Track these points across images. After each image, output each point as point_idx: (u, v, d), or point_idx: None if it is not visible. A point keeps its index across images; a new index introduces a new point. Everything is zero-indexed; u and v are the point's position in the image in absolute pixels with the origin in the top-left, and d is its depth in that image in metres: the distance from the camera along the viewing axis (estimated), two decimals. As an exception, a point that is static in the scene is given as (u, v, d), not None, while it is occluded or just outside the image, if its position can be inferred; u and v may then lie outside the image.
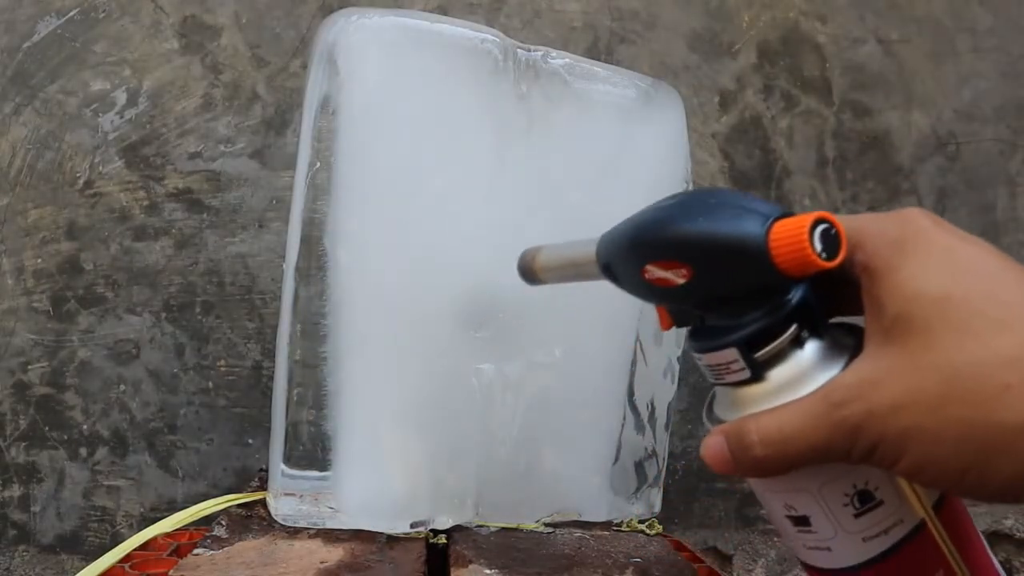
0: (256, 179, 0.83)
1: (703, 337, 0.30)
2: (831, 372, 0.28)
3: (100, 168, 0.82)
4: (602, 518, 0.58)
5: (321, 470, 0.52)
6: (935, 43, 0.93)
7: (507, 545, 0.52)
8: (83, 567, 0.49)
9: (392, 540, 0.52)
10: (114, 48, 0.82)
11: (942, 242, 0.26)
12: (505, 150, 0.53)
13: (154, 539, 0.55)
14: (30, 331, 0.82)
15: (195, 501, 0.59)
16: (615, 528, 0.57)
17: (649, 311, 0.54)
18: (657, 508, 0.61)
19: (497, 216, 0.53)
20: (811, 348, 0.29)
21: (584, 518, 0.57)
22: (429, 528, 0.53)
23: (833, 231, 0.27)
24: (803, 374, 0.28)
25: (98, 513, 0.82)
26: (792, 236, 0.27)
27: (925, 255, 0.26)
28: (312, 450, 0.52)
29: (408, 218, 0.51)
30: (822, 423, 0.26)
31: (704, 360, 0.30)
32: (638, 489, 0.59)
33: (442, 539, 0.53)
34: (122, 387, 0.82)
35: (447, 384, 0.53)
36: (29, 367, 0.82)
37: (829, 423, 0.26)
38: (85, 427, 0.82)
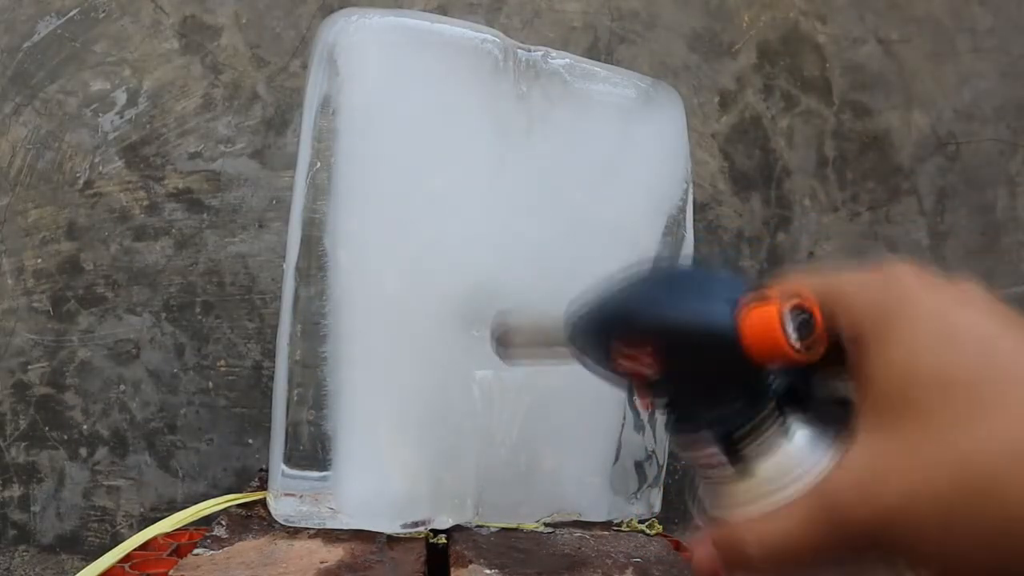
0: (256, 179, 0.83)
1: (682, 429, 0.28)
2: (824, 461, 0.25)
3: (100, 168, 0.82)
4: (602, 518, 0.58)
5: (321, 470, 0.52)
6: (935, 43, 0.93)
7: (507, 545, 0.52)
8: (83, 567, 0.49)
9: (392, 540, 0.52)
10: (114, 48, 0.82)
11: (931, 307, 0.24)
12: (505, 150, 0.53)
13: (154, 539, 0.55)
14: (30, 331, 0.82)
15: (195, 501, 0.59)
16: (615, 528, 0.57)
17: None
18: (657, 508, 0.61)
19: (497, 216, 0.53)
20: (800, 436, 0.26)
21: (584, 518, 0.57)
22: (429, 528, 0.53)
23: (809, 318, 0.25)
24: (794, 467, 0.26)
25: (98, 513, 0.82)
26: (764, 327, 0.25)
27: (914, 324, 0.23)
28: (312, 450, 0.52)
29: (408, 218, 0.51)
30: (824, 529, 0.24)
31: (687, 458, 0.29)
32: (638, 489, 0.59)
33: (442, 539, 0.53)
34: (122, 387, 0.82)
35: (447, 384, 0.53)
36: (29, 367, 0.82)
37: (832, 528, 0.24)
38: (85, 427, 0.82)
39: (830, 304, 0.26)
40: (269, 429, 0.53)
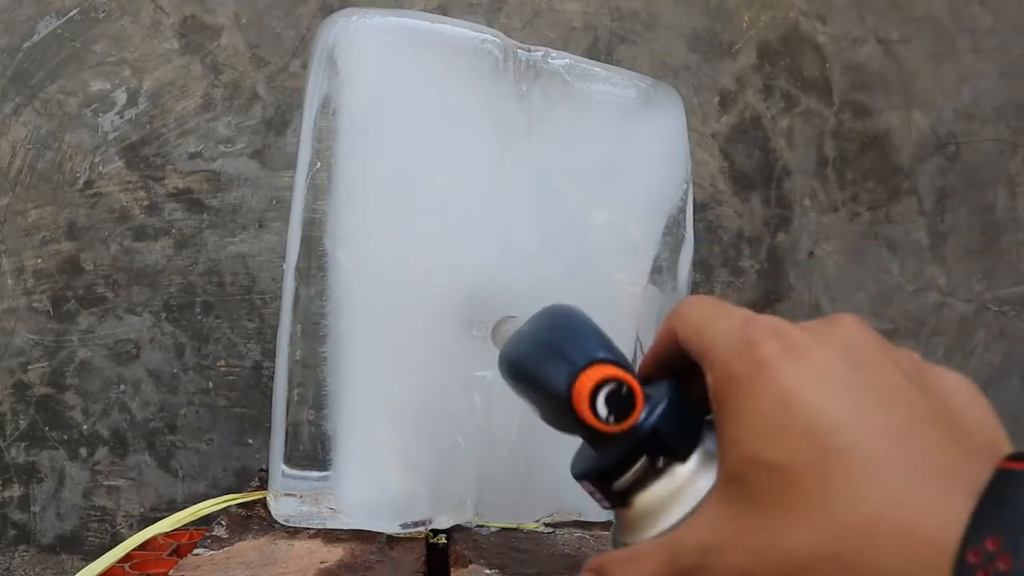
0: (256, 179, 0.83)
1: (572, 464, 0.30)
2: (700, 491, 0.26)
3: (100, 168, 0.82)
4: (602, 518, 0.58)
5: (321, 470, 0.52)
6: (935, 43, 0.93)
7: (507, 545, 0.52)
8: (83, 567, 0.49)
9: (392, 540, 0.52)
10: (114, 48, 0.82)
11: (780, 387, 0.22)
12: (505, 150, 0.53)
13: (154, 539, 0.55)
14: (30, 331, 0.82)
15: (195, 501, 0.59)
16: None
17: (647, 315, 0.54)
18: (657, 508, 0.61)
19: (497, 216, 0.53)
20: (675, 472, 0.27)
21: (584, 518, 0.57)
22: (429, 528, 0.53)
23: (624, 390, 0.26)
24: (669, 499, 0.27)
25: (98, 513, 0.82)
26: (579, 397, 0.26)
27: (759, 405, 0.23)
28: (312, 450, 0.52)
29: (408, 218, 0.51)
30: (663, 571, 0.24)
31: (581, 485, 0.30)
32: (638, 489, 0.59)
33: (442, 539, 0.53)
34: (122, 387, 0.82)
35: (447, 384, 0.53)
36: (29, 367, 0.82)
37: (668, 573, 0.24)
38: (85, 427, 0.82)
39: (698, 356, 0.26)
40: (269, 429, 0.53)
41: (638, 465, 0.27)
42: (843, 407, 0.22)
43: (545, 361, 0.29)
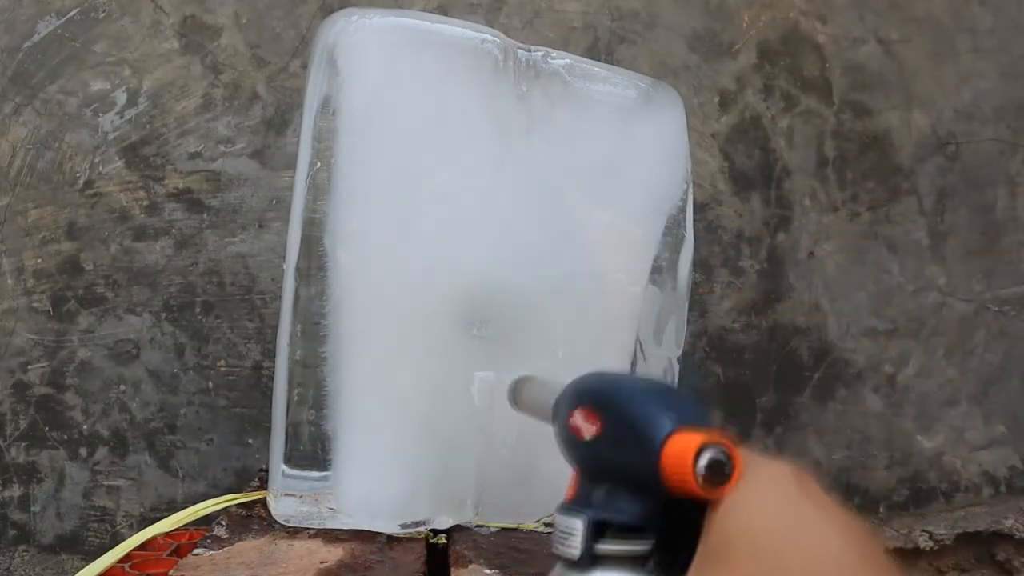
0: (256, 179, 0.83)
1: (575, 501, 0.30)
2: None
3: (100, 168, 0.82)
4: (602, 518, 0.58)
5: (321, 470, 0.52)
6: (935, 43, 0.93)
7: (507, 545, 0.52)
8: (83, 567, 0.49)
9: (392, 540, 0.52)
10: (114, 48, 0.82)
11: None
12: (505, 150, 0.53)
13: (154, 539, 0.55)
14: (30, 331, 0.82)
15: (195, 501, 0.59)
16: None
17: (647, 315, 0.54)
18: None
19: (497, 215, 0.53)
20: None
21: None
22: (429, 528, 0.53)
23: (725, 460, 0.26)
24: None
25: (98, 513, 0.82)
26: (681, 449, 0.26)
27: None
28: (312, 450, 0.52)
29: (408, 218, 0.51)
30: None
31: (557, 521, 0.30)
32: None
33: (442, 539, 0.53)
34: (122, 387, 0.82)
35: (447, 385, 0.53)
36: (29, 367, 0.82)
37: None
38: (85, 427, 0.82)
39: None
40: (269, 429, 0.54)
41: (636, 545, 0.27)
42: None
43: (654, 402, 0.28)
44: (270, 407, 0.53)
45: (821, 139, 0.92)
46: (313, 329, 0.51)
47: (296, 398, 0.52)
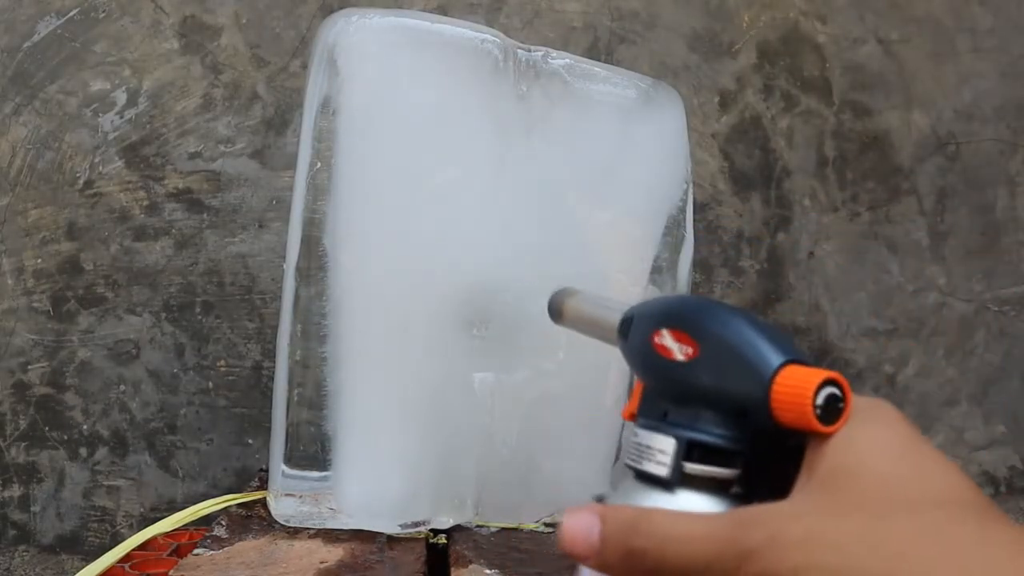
0: (256, 179, 0.83)
1: (656, 419, 0.30)
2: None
3: (100, 168, 0.82)
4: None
5: (321, 470, 0.52)
6: (935, 43, 0.93)
7: (507, 545, 0.52)
8: (83, 567, 0.49)
9: (392, 540, 0.52)
10: (114, 48, 0.82)
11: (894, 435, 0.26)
12: (505, 150, 0.53)
13: (154, 539, 0.56)
14: (30, 331, 0.82)
15: (195, 501, 0.59)
16: (615, 528, 0.57)
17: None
18: (657, 508, 0.61)
19: (497, 216, 0.53)
20: (730, 505, 0.27)
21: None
22: (429, 528, 0.54)
23: (840, 398, 0.26)
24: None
25: (98, 513, 0.82)
26: (798, 383, 0.26)
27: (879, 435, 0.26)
28: (312, 450, 0.52)
29: (408, 218, 0.51)
30: (716, 536, 0.24)
31: (639, 437, 0.30)
32: (638, 489, 0.59)
33: (442, 539, 0.53)
34: (122, 387, 0.82)
35: (447, 384, 0.53)
36: (29, 367, 0.82)
37: (723, 539, 0.24)
38: (85, 427, 0.82)
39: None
40: (269, 429, 0.54)
41: (724, 470, 0.27)
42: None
43: (759, 336, 0.28)
44: (270, 407, 0.53)
45: (821, 139, 0.92)
46: (313, 329, 0.51)
47: (296, 398, 0.52)
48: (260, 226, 0.83)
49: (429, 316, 0.51)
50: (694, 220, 0.60)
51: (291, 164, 0.54)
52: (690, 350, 0.29)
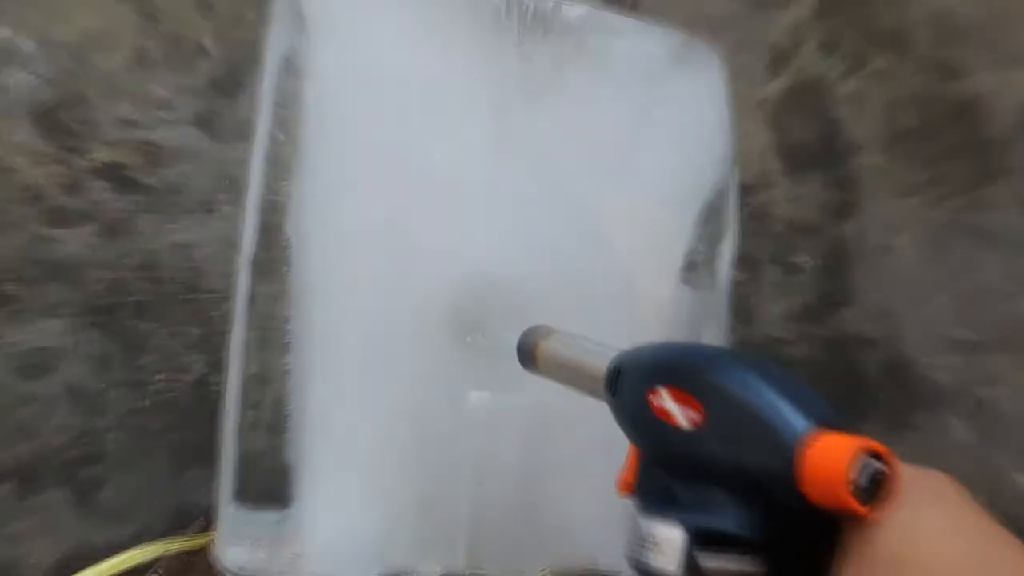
0: (202, 152, 0.84)
1: (658, 499, 0.30)
2: None
3: (8, 137, 0.84)
4: (622, 568, 0.59)
5: (280, 508, 0.53)
6: (1038, -12, 0.94)
7: (506, 599, 0.54)
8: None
9: (367, 592, 0.53)
10: (27, -10, 0.83)
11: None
12: (506, 122, 0.55)
13: (75, 593, 0.56)
14: (-78, 337, 0.83)
15: (123, 548, 0.60)
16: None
17: (677, 322, 0.55)
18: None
19: (496, 201, 0.55)
20: None
21: (600, 568, 0.58)
22: (412, 578, 0.55)
23: (881, 472, 0.26)
24: None
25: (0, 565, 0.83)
26: (831, 456, 0.26)
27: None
28: (270, 484, 0.53)
29: (390, 203, 0.53)
30: None
31: (640, 525, 0.30)
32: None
33: (428, 591, 0.55)
34: (33, 407, 0.83)
35: (434, 405, 0.54)
36: (-79, 381, 0.83)
37: None
38: (-12, 455, 0.83)
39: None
40: (216, 458, 0.55)
41: (750, 564, 0.28)
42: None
43: (780, 393, 0.28)
44: (218, 431, 0.54)
45: (896, 106, 0.93)
46: (273, 336, 0.52)
47: (251, 421, 0.53)
48: (207, 210, 0.85)
49: (414, 321, 0.53)
50: (738, 207, 0.61)
51: (246, 135, 0.55)
52: (696, 416, 0.29)
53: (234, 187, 0.84)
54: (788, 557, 0.28)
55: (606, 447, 0.58)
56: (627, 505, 0.32)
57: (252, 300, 0.52)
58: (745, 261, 0.91)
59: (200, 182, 0.85)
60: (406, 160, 0.53)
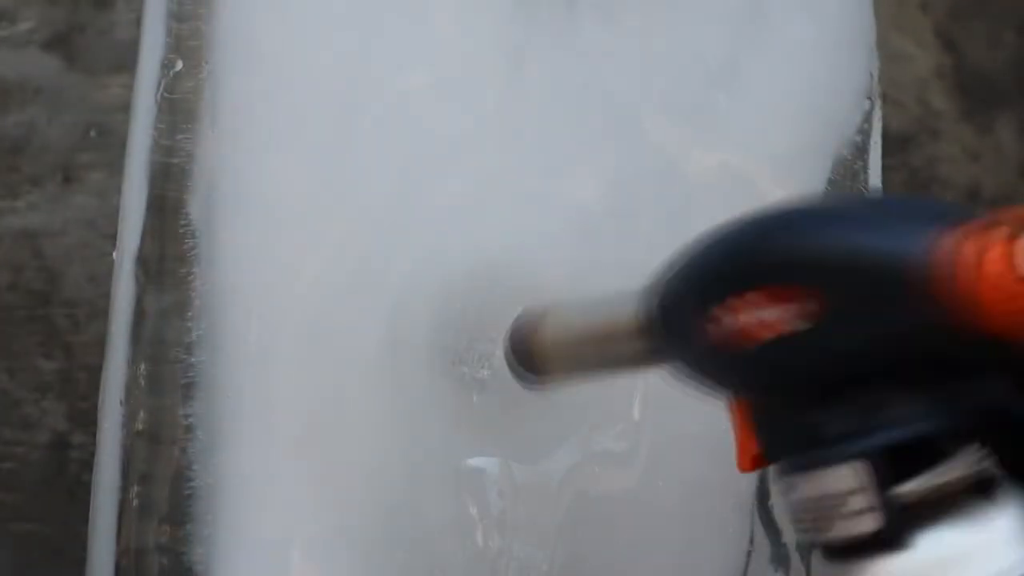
0: (59, 90, 0.85)
1: (805, 445, 0.31)
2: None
3: None
4: None
5: (181, 637, 0.54)
6: None
7: None
8: None
9: None
10: None
11: None
12: (526, 41, 0.55)
13: None
14: None
15: None
16: None
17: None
18: None
19: (509, 160, 0.55)
20: (1007, 503, 0.29)
21: None
22: None
23: None
24: (991, 554, 0.29)
25: None
26: (992, 262, 0.27)
27: None
28: (166, 608, 0.53)
29: (348, 166, 0.53)
30: None
31: (795, 489, 0.31)
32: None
33: None
34: None
35: (414, 472, 0.54)
36: None
37: None
38: None
39: None
40: (81, 561, 0.55)
41: (963, 460, 0.29)
42: None
43: (868, 227, 0.30)
44: (84, 521, 0.55)
45: None
46: (169, 372, 0.52)
47: (136, 503, 0.53)
48: (66, 179, 0.85)
49: (385, 346, 0.53)
50: (886, 165, 0.61)
51: (122, 65, 0.55)
52: (813, 305, 0.30)
53: (106, 143, 0.84)
54: (1007, 432, 0.30)
55: (689, 544, 0.58)
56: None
57: (139, 317, 0.53)
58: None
59: (56, 135, 0.85)
60: (378, 99, 0.53)
